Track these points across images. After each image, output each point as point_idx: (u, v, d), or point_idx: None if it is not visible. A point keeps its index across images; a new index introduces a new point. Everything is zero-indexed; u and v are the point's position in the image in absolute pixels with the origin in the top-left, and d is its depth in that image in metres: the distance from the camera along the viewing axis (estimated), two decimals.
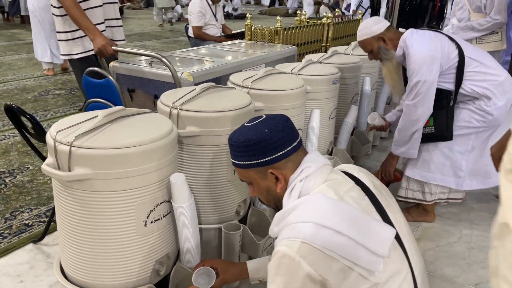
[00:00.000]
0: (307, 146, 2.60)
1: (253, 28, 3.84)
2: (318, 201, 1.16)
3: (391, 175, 2.80)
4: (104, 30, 2.76)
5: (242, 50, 3.24)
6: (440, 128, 2.50)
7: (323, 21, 4.30)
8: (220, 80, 2.50)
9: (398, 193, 2.76)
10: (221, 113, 1.89)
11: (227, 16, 15.23)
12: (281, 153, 1.27)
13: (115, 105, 2.41)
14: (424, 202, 2.71)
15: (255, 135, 1.27)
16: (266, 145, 1.26)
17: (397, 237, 1.22)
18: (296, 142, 1.30)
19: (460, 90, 2.42)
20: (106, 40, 2.46)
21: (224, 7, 13.38)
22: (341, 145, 3.07)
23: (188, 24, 5.59)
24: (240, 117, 1.92)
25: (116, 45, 2.52)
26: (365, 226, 1.15)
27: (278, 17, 3.85)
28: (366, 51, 2.63)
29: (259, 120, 1.33)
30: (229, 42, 3.73)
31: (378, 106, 3.58)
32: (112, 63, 2.53)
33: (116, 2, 2.85)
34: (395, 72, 2.59)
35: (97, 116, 1.55)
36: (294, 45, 3.83)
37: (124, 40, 2.97)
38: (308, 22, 4.36)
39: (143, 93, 2.48)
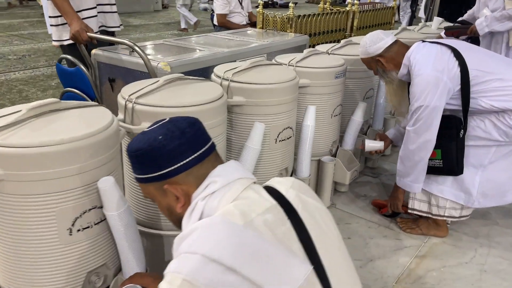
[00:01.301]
0: (300, 146, 2.35)
1: (264, 15, 3.58)
2: (214, 227, 0.93)
3: (399, 209, 2.50)
4: (95, 16, 2.62)
5: (244, 39, 3.00)
6: (449, 162, 2.20)
7: (347, 8, 3.97)
8: (207, 71, 2.29)
9: (408, 205, 2.44)
10: (180, 109, 1.69)
11: (272, 5, 14.91)
12: (178, 165, 1.03)
13: (87, 95, 2.27)
14: (430, 215, 2.38)
15: (147, 143, 1.04)
16: (159, 156, 1.03)
17: (321, 273, 0.97)
18: (201, 151, 1.06)
19: (476, 107, 2.13)
20: (82, 25, 2.31)
21: None
22: (347, 145, 2.78)
23: (213, 11, 5.40)
24: (208, 112, 1.74)
25: (93, 31, 2.36)
26: (271, 261, 0.91)
27: (321, 5, 3.63)
28: (368, 68, 2.46)
29: (158, 124, 1.10)
30: (235, 30, 3.49)
31: (376, 115, 3.19)
32: (93, 51, 2.38)
33: None
34: (397, 94, 2.37)
35: (20, 111, 1.39)
36: (310, 34, 3.55)
37: (119, 27, 2.82)
38: (332, 10, 4.04)
39: (123, 83, 2.31)
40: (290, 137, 2.26)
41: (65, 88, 2.16)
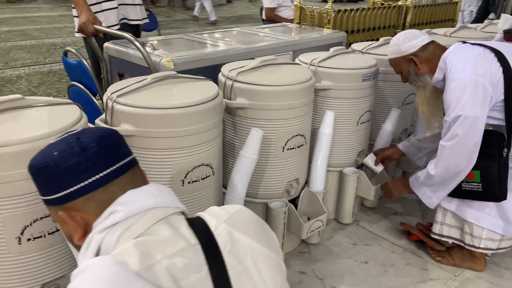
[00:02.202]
0: (314, 156, 2.11)
1: (302, 9, 3.33)
2: (102, 270, 0.75)
3: (390, 197, 2.27)
4: (115, 8, 2.54)
5: (271, 35, 2.77)
6: (489, 185, 1.86)
7: (399, 3, 3.60)
8: (218, 69, 2.10)
9: (432, 229, 2.12)
10: (160, 110, 1.52)
11: None
12: (74, 188, 0.85)
13: (89, 89, 2.19)
14: (462, 244, 2.04)
15: (41, 158, 0.86)
16: (52, 175, 0.84)
17: None
18: (105, 172, 0.86)
19: None
20: (90, 17, 2.21)
21: None
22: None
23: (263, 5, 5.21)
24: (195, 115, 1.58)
25: (101, 24, 2.26)
26: None
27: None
28: (396, 72, 2.11)
29: (63, 136, 0.92)
30: (268, 25, 3.27)
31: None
32: (105, 44, 2.29)
33: None
34: (430, 104, 2.02)
35: None
36: (352, 31, 3.25)
37: (141, 20, 2.72)
38: (383, 4, 3.69)
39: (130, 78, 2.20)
40: (301, 145, 2.03)
41: (71, 82, 2.08)
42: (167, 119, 1.52)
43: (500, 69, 1.73)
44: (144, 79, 1.68)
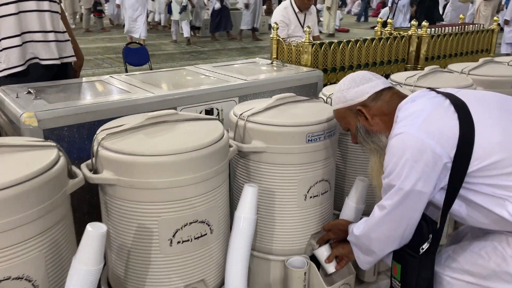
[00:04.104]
0: (229, 248, 1.57)
1: (279, 42, 3.02)
2: None
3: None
4: (19, 45, 2.10)
5: (222, 76, 2.27)
6: (407, 285, 1.43)
7: (408, 32, 3.41)
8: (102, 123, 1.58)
9: None
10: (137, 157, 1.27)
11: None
12: None
13: None
14: None
15: None
16: None
17: None
18: None
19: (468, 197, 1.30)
20: None
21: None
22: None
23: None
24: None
25: None
26: None
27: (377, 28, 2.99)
28: (343, 128, 1.59)
29: None
30: (232, 62, 2.85)
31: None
32: None
33: (47, 11, 2.17)
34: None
35: None
36: (341, 68, 2.94)
37: (60, 58, 2.24)
38: (391, 34, 3.47)
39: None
40: (325, 191, 1.77)
41: None
42: (151, 168, 1.31)
43: (457, 128, 1.25)
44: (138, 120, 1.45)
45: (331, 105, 1.70)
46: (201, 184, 1.38)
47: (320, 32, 13.17)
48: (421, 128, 1.27)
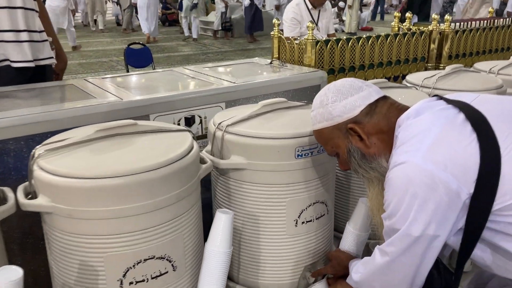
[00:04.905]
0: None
1: (280, 40, 2.73)
2: None
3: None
4: None
5: (210, 79, 1.96)
6: None
7: (429, 27, 3.07)
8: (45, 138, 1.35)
9: None
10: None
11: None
12: None
13: None
14: None
15: None
16: None
17: None
18: None
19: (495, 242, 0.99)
20: None
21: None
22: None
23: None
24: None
25: None
26: None
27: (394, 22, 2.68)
28: (329, 153, 1.26)
29: None
30: (227, 63, 2.61)
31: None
32: None
33: (20, 8, 1.95)
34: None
35: None
36: (350, 69, 2.65)
37: (34, 61, 2.00)
38: (410, 29, 3.14)
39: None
40: (321, 215, 1.48)
41: None
42: (92, 193, 1.06)
43: (477, 153, 0.94)
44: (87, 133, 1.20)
45: None
46: (159, 213, 1.13)
47: (342, 31, 12.85)
48: (428, 155, 0.95)
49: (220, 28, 10.87)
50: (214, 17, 11.10)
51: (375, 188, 1.18)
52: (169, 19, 13.31)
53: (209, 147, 1.46)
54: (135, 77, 2.13)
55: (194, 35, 10.38)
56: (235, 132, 1.38)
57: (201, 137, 1.75)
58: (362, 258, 1.25)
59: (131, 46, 4.32)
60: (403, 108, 1.13)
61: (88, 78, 2.00)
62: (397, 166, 0.99)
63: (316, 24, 4.19)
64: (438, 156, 0.95)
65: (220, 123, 1.42)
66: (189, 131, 1.34)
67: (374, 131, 1.12)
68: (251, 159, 1.36)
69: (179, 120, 1.68)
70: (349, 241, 1.47)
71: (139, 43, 4.56)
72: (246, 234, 1.44)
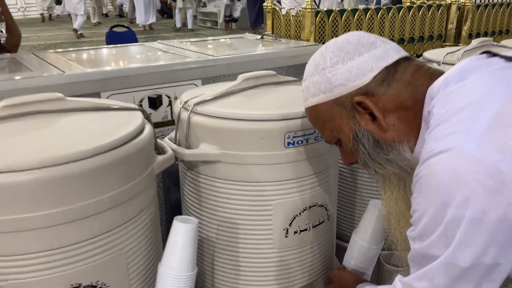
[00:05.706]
0: None
1: (275, 12, 2.36)
2: None
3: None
4: None
5: (190, 53, 1.64)
6: None
7: (449, 0, 2.70)
8: None
9: None
10: None
11: None
12: None
13: None
14: None
15: None
16: None
17: None
18: None
19: None
20: None
21: None
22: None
23: None
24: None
25: None
26: None
27: None
28: (326, 139, 0.90)
29: None
30: (203, 38, 2.16)
31: None
32: None
33: None
34: (406, 214, 0.82)
35: None
36: None
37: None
38: (425, 3, 2.78)
39: None
40: (320, 222, 1.13)
41: None
42: None
43: None
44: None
45: None
46: (82, 223, 0.78)
47: None
48: (487, 139, 0.60)
49: (224, 20, 10.58)
50: (213, 8, 10.78)
51: (394, 190, 0.83)
52: (167, 7, 12.97)
53: (173, 133, 1.12)
54: (93, 51, 1.77)
55: (190, 25, 10.19)
56: (205, 113, 1.03)
57: (170, 123, 1.41)
58: (372, 278, 0.92)
59: (113, 29, 3.98)
60: (435, 72, 0.77)
61: (38, 52, 1.65)
62: (435, 156, 0.63)
63: (318, 6, 3.81)
64: (503, 141, 0.59)
65: (186, 102, 1.07)
66: (141, 109, 0.99)
67: (393, 107, 0.77)
68: (225, 149, 1.01)
69: (141, 101, 1.33)
70: (355, 255, 1.13)
71: (123, 26, 4.21)
72: (221, 248, 1.10)
